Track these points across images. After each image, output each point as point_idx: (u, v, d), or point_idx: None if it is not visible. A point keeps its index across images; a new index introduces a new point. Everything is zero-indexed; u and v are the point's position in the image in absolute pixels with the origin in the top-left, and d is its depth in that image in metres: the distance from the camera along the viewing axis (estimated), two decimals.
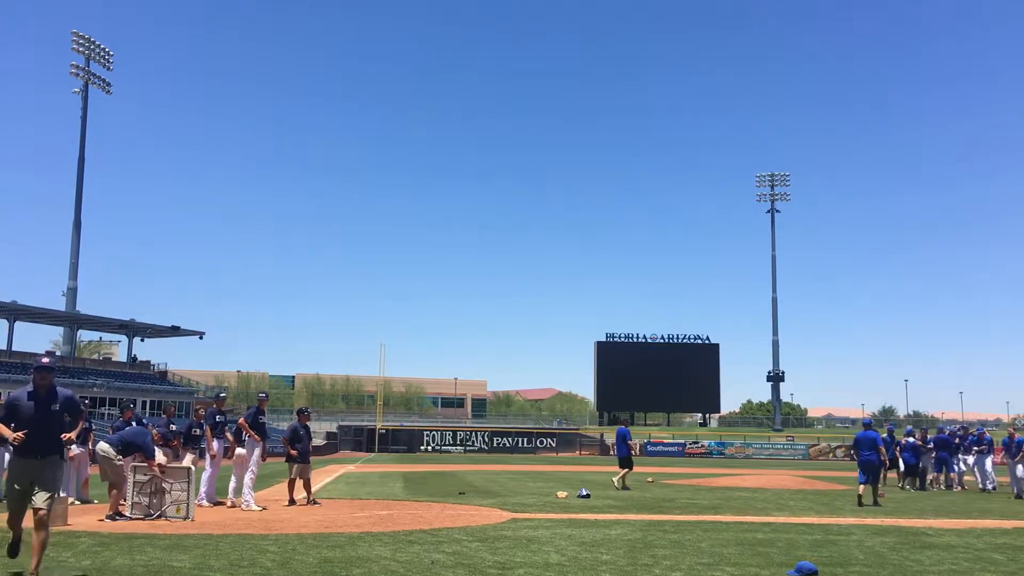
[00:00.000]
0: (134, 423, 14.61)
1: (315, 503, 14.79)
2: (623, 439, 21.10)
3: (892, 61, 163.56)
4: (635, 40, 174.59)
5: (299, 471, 14.80)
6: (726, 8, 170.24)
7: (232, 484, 14.46)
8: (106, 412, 54.41)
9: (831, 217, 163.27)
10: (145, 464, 12.43)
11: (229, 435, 14.69)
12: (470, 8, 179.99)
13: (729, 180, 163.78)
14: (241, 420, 14.36)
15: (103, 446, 12.17)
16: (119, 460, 12.19)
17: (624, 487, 20.08)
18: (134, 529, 10.56)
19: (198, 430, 14.94)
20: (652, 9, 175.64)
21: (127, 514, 11.87)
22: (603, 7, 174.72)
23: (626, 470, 20.60)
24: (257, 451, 14.16)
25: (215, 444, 14.62)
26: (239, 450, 14.53)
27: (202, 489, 14.14)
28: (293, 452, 14.75)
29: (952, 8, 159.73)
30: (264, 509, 13.54)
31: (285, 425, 69.32)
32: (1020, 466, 19.45)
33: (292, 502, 14.56)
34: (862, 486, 16.32)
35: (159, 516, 11.86)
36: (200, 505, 13.65)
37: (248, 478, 13.88)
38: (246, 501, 13.69)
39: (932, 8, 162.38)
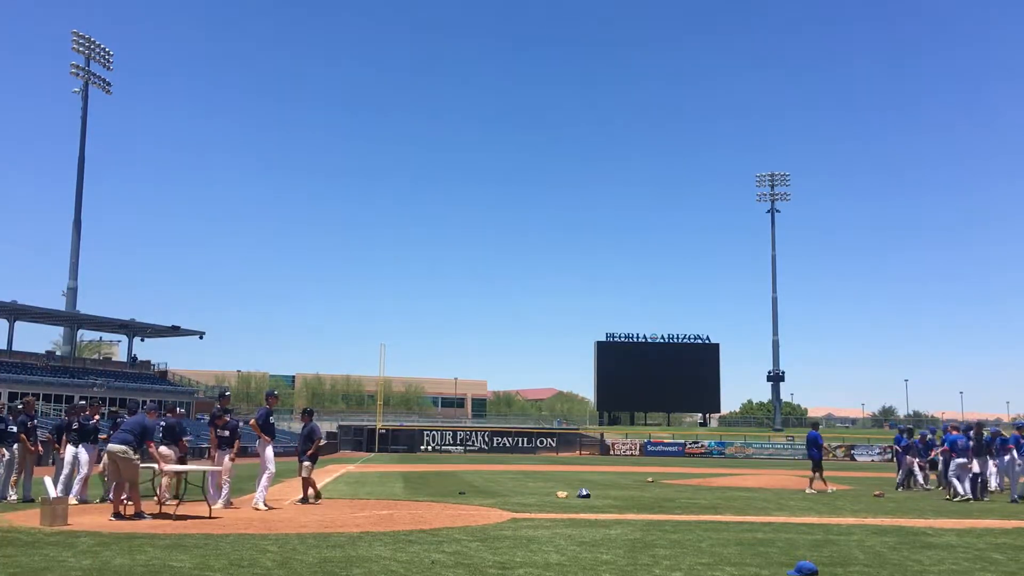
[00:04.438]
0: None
1: (305, 501, 14.76)
2: (812, 442, 21.09)
3: (893, 61, 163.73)
4: (635, 40, 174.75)
5: (299, 469, 15.10)
6: (726, 8, 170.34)
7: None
8: (106, 412, 54.39)
9: (831, 217, 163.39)
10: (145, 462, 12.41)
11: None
12: (471, 11, 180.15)
13: (729, 180, 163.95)
14: (252, 421, 14.36)
15: (120, 447, 12.02)
16: (136, 457, 12.16)
17: (820, 490, 20.09)
18: (134, 529, 10.56)
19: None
20: (652, 9, 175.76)
21: (124, 513, 11.83)
22: (603, 6, 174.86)
23: (816, 473, 20.66)
24: (268, 450, 14.20)
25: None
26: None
27: (213, 488, 14.14)
28: (307, 452, 15.19)
29: (954, 9, 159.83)
30: (270, 508, 13.53)
31: (284, 426, 69.38)
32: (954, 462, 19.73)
33: (304, 500, 14.78)
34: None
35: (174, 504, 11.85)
36: (212, 505, 13.65)
37: (265, 477, 13.89)
38: (256, 500, 13.70)
39: (933, 8, 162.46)
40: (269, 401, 15.10)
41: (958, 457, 19.01)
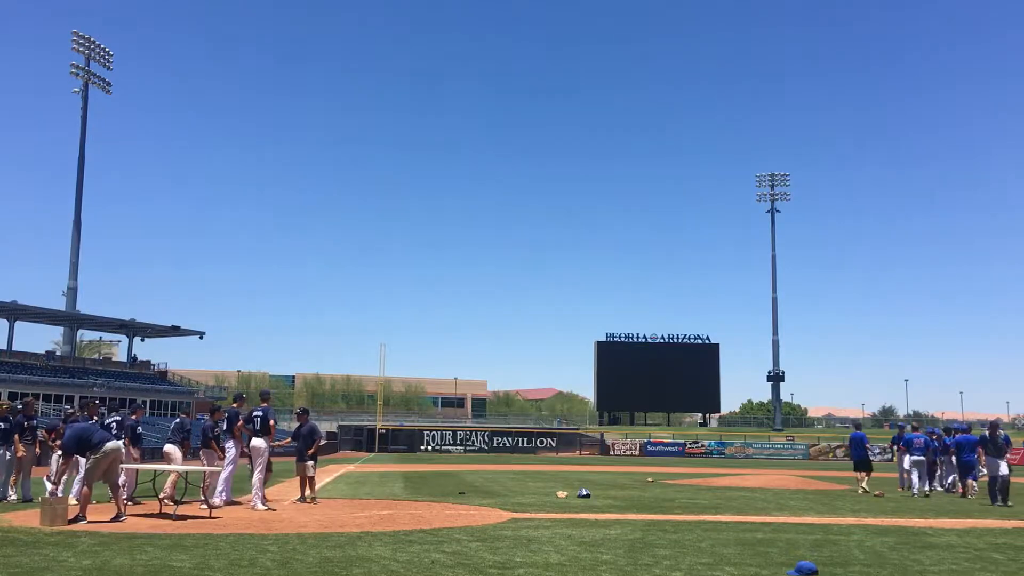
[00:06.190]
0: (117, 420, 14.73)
1: (304, 500, 14.78)
2: (856, 443, 20.89)
3: (892, 60, 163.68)
4: (635, 40, 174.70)
5: (299, 469, 15.06)
6: (726, 8, 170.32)
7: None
8: (105, 412, 54.32)
9: (831, 217, 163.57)
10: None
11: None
12: (470, 15, 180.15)
13: (729, 180, 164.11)
14: (271, 422, 14.56)
15: (117, 444, 12.03)
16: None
17: (864, 491, 19.83)
18: (134, 529, 10.56)
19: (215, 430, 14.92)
20: (652, 9, 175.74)
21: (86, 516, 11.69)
22: (602, 7, 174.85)
23: (863, 472, 20.38)
24: (247, 448, 14.33)
25: (233, 444, 14.70)
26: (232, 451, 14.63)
27: (219, 489, 14.14)
28: (309, 451, 15.16)
29: (954, 8, 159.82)
30: (269, 508, 13.51)
31: (284, 425, 69.36)
32: (908, 459, 20.47)
33: (302, 499, 14.81)
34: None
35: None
36: (216, 505, 13.64)
37: (256, 478, 13.92)
38: (253, 502, 13.70)
39: (933, 7, 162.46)
40: (269, 401, 15.24)
41: (914, 455, 19.73)
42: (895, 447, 21.80)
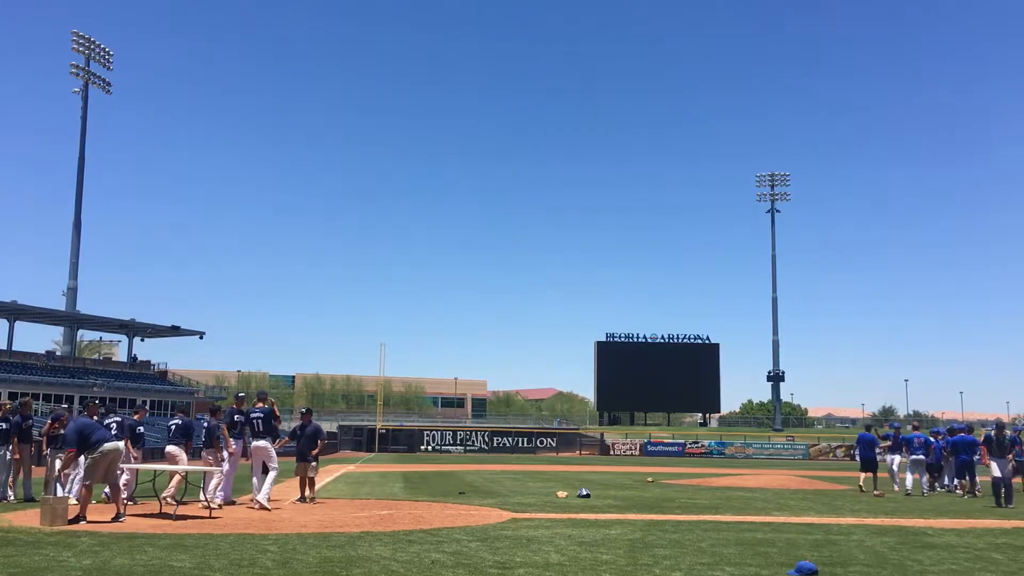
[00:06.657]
0: (115, 420, 14.73)
1: (304, 500, 14.79)
2: (864, 444, 20.79)
3: (892, 60, 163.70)
4: (635, 41, 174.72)
5: (301, 469, 15.10)
6: (725, 8, 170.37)
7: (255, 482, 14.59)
8: (104, 412, 54.24)
9: (831, 217, 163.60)
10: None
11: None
12: (471, 15, 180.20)
13: (729, 180, 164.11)
14: (274, 423, 14.63)
15: (115, 445, 12.07)
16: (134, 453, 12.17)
17: (873, 491, 19.62)
18: (134, 529, 10.56)
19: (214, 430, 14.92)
20: (651, 10, 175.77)
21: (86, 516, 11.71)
22: (604, 8, 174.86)
23: (868, 473, 20.26)
24: (273, 450, 14.41)
25: (233, 443, 14.68)
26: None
27: (218, 488, 14.14)
28: (313, 452, 15.25)
29: (954, 8, 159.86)
30: (270, 509, 13.51)
31: (285, 425, 69.34)
32: (897, 458, 21.00)
33: (302, 499, 14.80)
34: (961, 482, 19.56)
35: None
36: (216, 505, 13.64)
37: (271, 476, 13.96)
38: (260, 497, 13.70)
39: (933, 7, 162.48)
40: (265, 402, 15.19)
41: (915, 454, 20.15)
42: (886, 445, 21.78)
